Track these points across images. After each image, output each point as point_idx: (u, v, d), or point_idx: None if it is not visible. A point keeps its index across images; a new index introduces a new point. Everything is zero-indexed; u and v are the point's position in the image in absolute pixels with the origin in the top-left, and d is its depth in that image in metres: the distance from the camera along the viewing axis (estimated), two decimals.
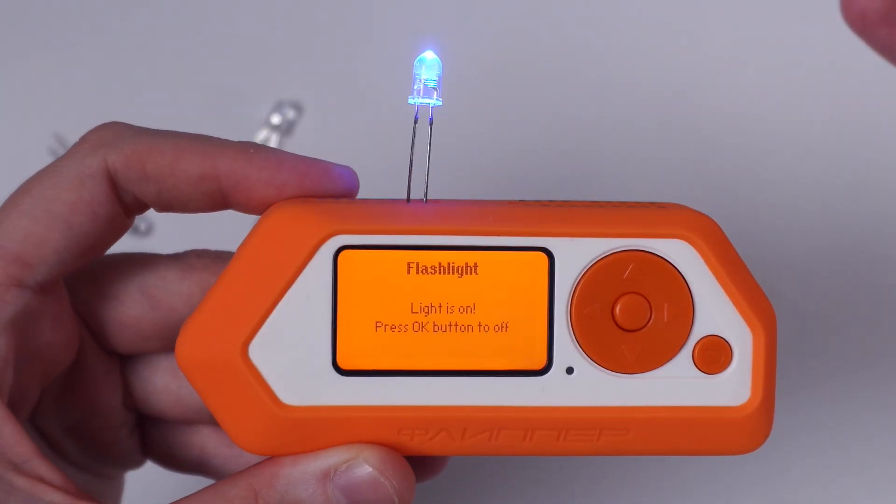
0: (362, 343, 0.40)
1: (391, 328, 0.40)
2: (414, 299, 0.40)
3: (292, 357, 0.40)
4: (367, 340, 0.40)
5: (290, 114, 0.68)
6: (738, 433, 0.41)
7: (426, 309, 0.40)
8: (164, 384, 0.46)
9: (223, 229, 0.53)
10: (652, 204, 0.42)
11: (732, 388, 0.41)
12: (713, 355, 0.40)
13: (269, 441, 0.40)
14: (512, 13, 0.69)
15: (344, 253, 0.40)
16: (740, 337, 0.40)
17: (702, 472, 0.60)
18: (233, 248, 0.47)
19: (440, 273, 0.40)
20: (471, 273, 0.40)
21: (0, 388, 0.41)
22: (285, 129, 0.68)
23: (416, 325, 0.40)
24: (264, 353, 0.40)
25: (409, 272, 0.40)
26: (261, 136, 0.67)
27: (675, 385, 0.40)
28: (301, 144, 0.68)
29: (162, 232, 0.67)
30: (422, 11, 0.70)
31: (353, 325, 0.40)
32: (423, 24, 0.70)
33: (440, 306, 0.40)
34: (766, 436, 0.41)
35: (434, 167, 0.41)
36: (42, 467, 0.40)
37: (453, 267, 0.40)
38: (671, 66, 0.67)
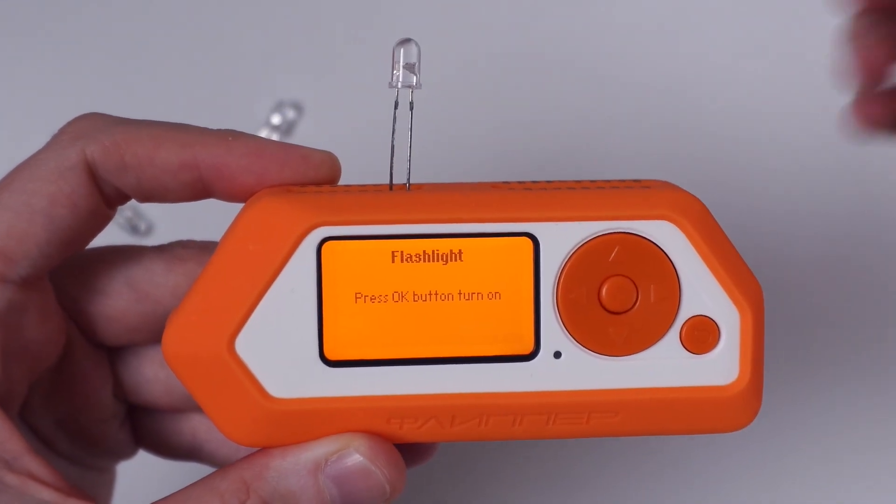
0: (348, 334, 0.40)
1: (377, 318, 0.40)
2: (398, 288, 0.40)
3: (279, 349, 0.40)
4: (353, 331, 0.40)
5: (290, 114, 0.68)
6: (727, 412, 0.41)
7: (412, 297, 0.40)
8: (153, 374, 0.46)
9: (223, 228, 0.53)
10: (637, 182, 0.42)
11: (721, 367, 0.40)
12: (701, 335, 0.40)
13: (258, 433, 0.40)
14: (514, 12, 0.69)
15: (327, 244, 0.39)
16: (727, 316, 0.40)
17: (690, 452, 0.59)
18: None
19: (425, 261, 0.40)
20: (455, 260, 0.40)
21: None
22: (285, 129, 0.68)
23: (402, 313, 0.40)
24: (251, 346, 0.39)
25: (393, 261, 0.40)
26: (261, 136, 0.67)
27: (663, 366, 0.40)
28: (302, 144, 0.68)
29: (162, 232, 0.67)
30: (422, 11, 0.70)
31: (338, 315, 0.40)
32: (423, 24, 0.70)
33: (426, 294, 0.40)
34: (756, 413, 0.41)
35: (416, 150, 0.41)
36: (33, 464, 0.40)
37: (438, 254, 0.40)
38: (660, 46, 0.67)
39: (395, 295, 0.40)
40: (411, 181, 0.41)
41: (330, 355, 0.40)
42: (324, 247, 0.39)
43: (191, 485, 0.40)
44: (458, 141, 0.66)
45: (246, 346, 0.39)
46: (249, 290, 0.39)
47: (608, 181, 0.42)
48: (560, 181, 0.42)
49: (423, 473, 0.46)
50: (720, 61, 0.66)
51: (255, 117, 0.68)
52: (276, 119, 0.67)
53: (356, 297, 0.40)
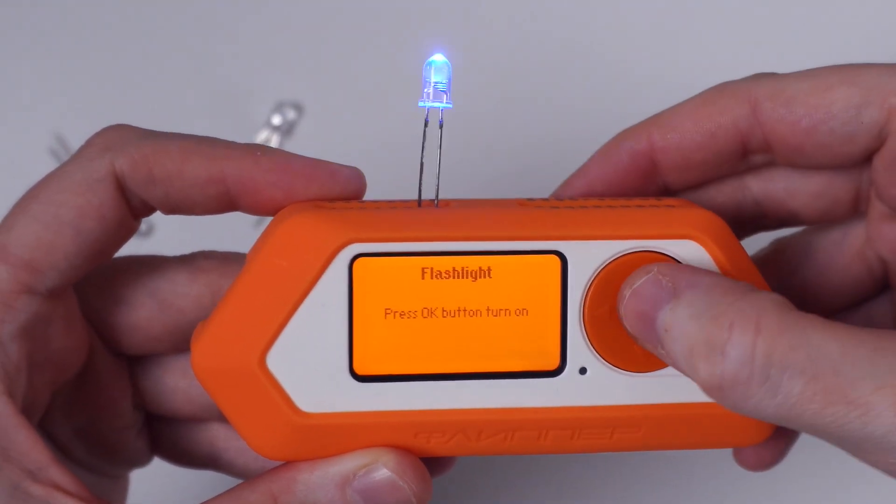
0: (378, 349, 0.40)
1: (408, 333, 0.40)
2: (428, 304, 0.40)
3: (310, 365, 0.40)
4: (384, 346, 0.40)
5: (291, 114, 0.68)
6: (748, 425, 0.41)
7: (441, 313, 0.40)
8: (174, 383, 0.46)
9: (224, 229, 0.53)
10: (660, 202, 0.42)
11: None
12: None
13: (286, 447, 0.40)
14: (512, 11, 0.69)
15: (359, 260, 0.40)
16: None
17: (692, 456, 0.60)
18: (235, 247, 0.47)
19: (454, 277, 0.40)
20: (484, 277, 0.40)
21: (13, 394, 0.40)
22: (286, 130, 0.68)
23: (432, 328, 0.40)
24: (282, 361, 0.40)
25: (423, 277, 0.40)
26: (261, 137, 0.67)
27: (686, 382, 0.41)
28: (301, 145, 0.68)
29: (162, 232, 0.67)
30: (422, 12, 0.70)
31: (369, 331, 0.40)
32: (423, 24, 0.70)
33: (455, 310, 0.40)
34: (774, 427, 0.42)
35: (443, 165, 0.41)
36: (58, 475, 0.40)
37: (467, 271, 0.40)
38: (677, 62, 0.67)
39: (425, 311, 0.40)
40: (439, 198, 0.42)
41: (359, 370, 0.40)
42: (355, 263, 0.39)
43: (219, 496, 0.41)
44: (479, 155, 0.66)
45: (277, 361, 0.39)
46: (281, 306, 0.39)
47: (631, 199, 0.42)
48: (585, 199, 0.42)
49: (438, 483, 0.46)
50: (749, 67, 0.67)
51: (256, 118, 0.68)
52: (276, 119, 0.67)
53: (386, 313, 0.40)
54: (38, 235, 0.41)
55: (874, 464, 0.37)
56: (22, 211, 0.41)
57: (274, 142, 0.67)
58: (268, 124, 0.67)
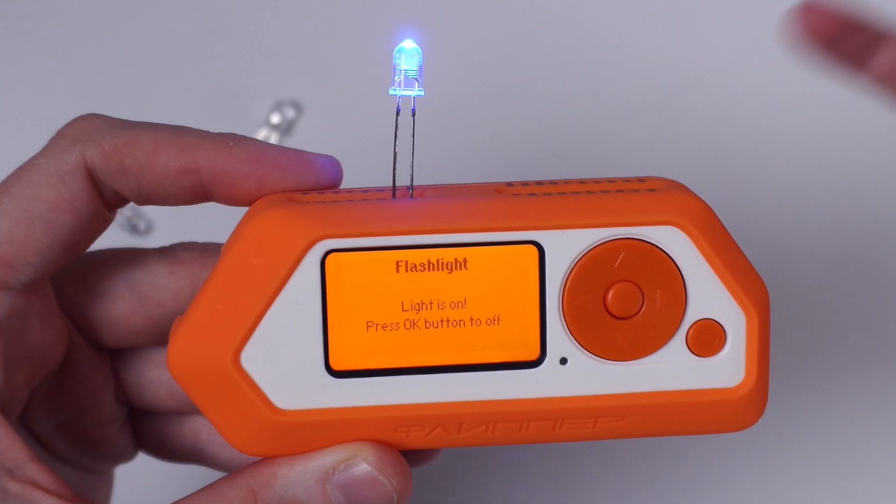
0: (354, 344, 0.40)
1: (382, 327, 0.40)
2: (404, 297, 0.39)
3: (285, 362, 0.39)
4: (359, 341, 0.40)
5: (290, 113, 0.67)
6: (734, 412, 0.41)
7: (417, 306, 0.40)
8: (156, 376, 0.46)
9: (223, 229, 0.53)
10: (641, 183, 0.41)
11: (727, 370, 0.40)
12: (707, 339, 0.40)
13: (265, 444, 0.40)
14: (512, 10, 0.69)
15: (331, 256, 0.39)
16: (734, 319, 0.40)
17: (690, 452, 0.59)
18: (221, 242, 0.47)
19: (430, 270, 0.40)
20: (460, 268, 0.40)
21: None
22: (285, 129, 0.68)
23: (408, 322, 0.40)
24: (256, 359, 0.39)
25: (398, 270, 0.39)
26: (261, 136, 0.67)
27: (669, 369, 0.40)
28: (301, 144, 0.68)
29: (162, 232, 0.67)
30: (421, 12, 0.70)
31: (344, 326, 0.39)
32: (424, 23, 0.70)
33: (431, 303, 0.40)
34: (762, 411, 0.41)
35: (418, 149, 0.41)
36: (37, 472, 0.40)
37: (443, 263, 0.40)
38: (664, 43, 0.67)
39: (400, 305, 0.39)
40: (414, 184, 0.41)
41: (336, 366, 0.40)
42: (328, 259, 0.39)
43: (197, 492, 0.40)
44: (460, 139, 0.66)
45: (251, 359, 0.39)
46: (254, 304, 0.39)
47: (612, 181, 0.42)
48: (564, 182, 0.42)
49: (422, 473, 0.46)
50: (725, 56, 0.66)
51: (255, 117, 0.68)
52: (275, 118, 0.67)
53: (360, 308, 0.39)
54: (10, 230, 0.40)
55: None
56: None
57: (273, 141, 0.67)
58: (267, 123, 0.67)
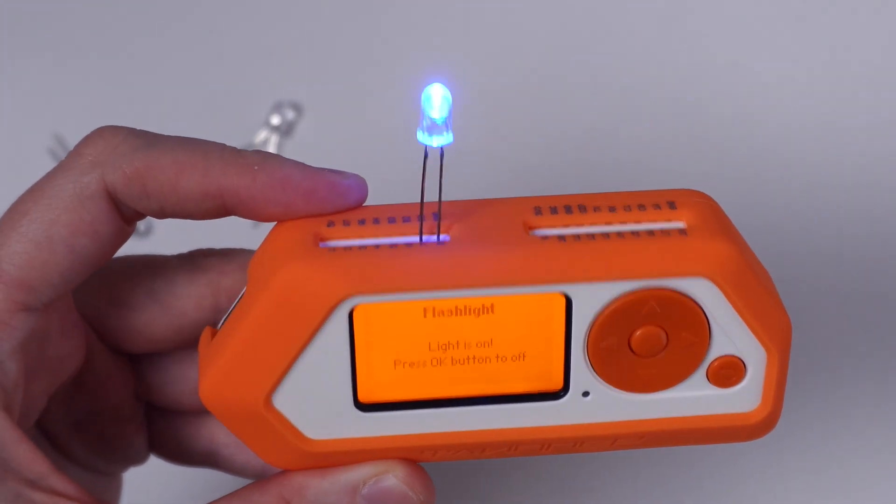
0: (382, 380, 0.40)
1: (410, 365, 0.40)
2: (431, 339, 0.40)
3: (315, 401, 0.40)
4: (387, 377, 0.40)
5: (290, 114, 0.68)
6: (748, 431, 0.41)
7: (444, 346, 0.40)
8: (181, 374, 0.46)
9: (224, 228, 0.53)
10: (672, 211, 0.40)
11: (744, 397, 0.41)
12: (727, 373, 0.40)
13: (298, 465, 0.41)
14: (512, 9, 0.69)
15: (359, 307, 0.39)
16: (755, 356, 0.40)
17: (696, 458, 0.60)
18: (233, 245, 0.47)
19: (457, 315, 0.40)
20: (487, 313, 0.40)
21: (10, 408, 0.40)
22: (285, 130, 0.68)
23: (435, 360, 0.40)
24: (287, 400, 0.40)
25: (425, 316, 0.40)
26: (260, 137, 0.67)
27: (688, 398, 0.40)
28: (300, 145, 0.68)
29: (162, 232, 0.67)
30: (422, 12, 0.70)
31: (371, 365, 0.40)
32: (423, 24, 0.70)
33: (458, 343, 0.40)
34: (774, 425, 0.42)
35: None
36: (59, 482, 0.40)
37: (470, 309, 0.40)
38: (683, 60, 0.67)
39: (428, 347, 0.40)
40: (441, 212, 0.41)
41: (364, 399, 0.40)
42: (355, 311, 0.39)
43: (226, 497, 0.41)
44: (484, 149, 0.66)
45: (283, 400, 0.40)
46: (284, 353, 0.39)
47: (642, 208, 0.41)
48: (593, 209, 0.41)
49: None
50: (741, 63, 0.67)
51: (255, 117, 0.68)
52: (275, 119, 0.67)
53: (389, 352, 0.40)
54: (31, 255, 0.40)
55: None
56: (11, 228, 0.41)
57: (273, 142, 0.67)
58: (267, 124, 0.68)
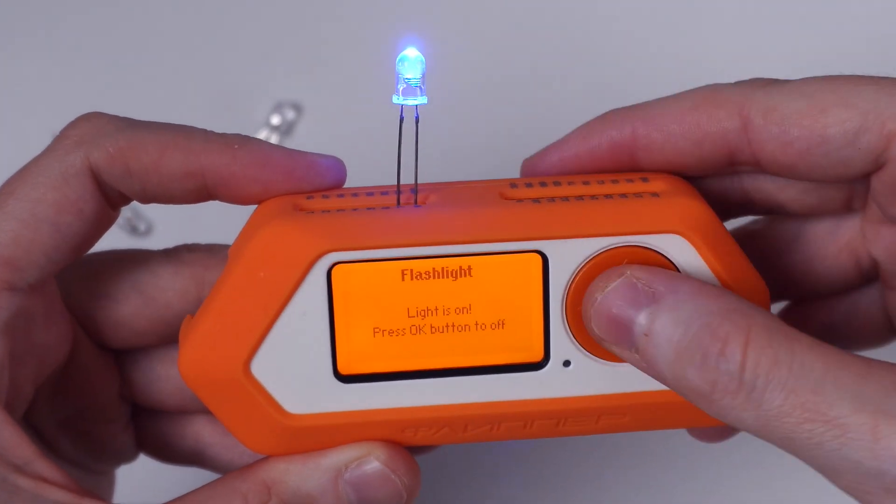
0: (361, 349, 0.40)
1: (389, 333, 0.40)
2: (410, 304, 0.40)
3: (294, 369, 0.40)
4: (366, 346, 0.40)
5: (290, 114, 0.68)
6: None
7: (422, 312, 0.40)
8: (163, 373, 0.46)
9: (224, 228, 0.53)
10: (645, 183, 0.41)
11: None
12: None
13: (278, 446, 0.41)
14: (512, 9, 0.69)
15: (337, 267, 0.39)
16: None
17: (689, 451, 0.60)
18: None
19: (435, 277, 0.40)
20: (465, 276, 0.40)
21: None
22: (285, 130, 0.68)
23: (414, 328, 0.40)
24: (266, 367, 0.40)
25: (403, 279, 0.40)
26: (260, 137, 0.67)
27: None
28: (301, 145, 0.68)
29: (162, 232, 0.67)
30: (421, 13, 0.70)
31: (351, 333, 0.40)
32: (422, 25, 0.70)
33: (436, 309, 0.40)
34: None
35: (422, 145, 0.41)
36: (44, 468, 0.40)
37: (447, 271, 0.40)
38: (664, 46, 0.67)
39: (406, 311, 0.40)
40: (418, 185, 0.41)
41: (343, 371, 0.40)
42: (334, 270, 0.39)
43: (208, 484, 0.41)
44: (463, 134, 0.66)
45: (261, 367, 0.40)
46: (262, 315, 0.39)
47: (616, 181, 0.42)
48: (568, 182, 0.42)
49: (422, 468, 0.46)
50: (731, 56, 0.66)
51: (255, 117, 0.68)
52: (275, 119, 0.67)
53: (367, 315, 0.40)
54: (16, 233, 0.41)
55: (847, 489, 0.37)
56: None
57: (274, 142, 0.67)
58: (267, 124, 0.68)
